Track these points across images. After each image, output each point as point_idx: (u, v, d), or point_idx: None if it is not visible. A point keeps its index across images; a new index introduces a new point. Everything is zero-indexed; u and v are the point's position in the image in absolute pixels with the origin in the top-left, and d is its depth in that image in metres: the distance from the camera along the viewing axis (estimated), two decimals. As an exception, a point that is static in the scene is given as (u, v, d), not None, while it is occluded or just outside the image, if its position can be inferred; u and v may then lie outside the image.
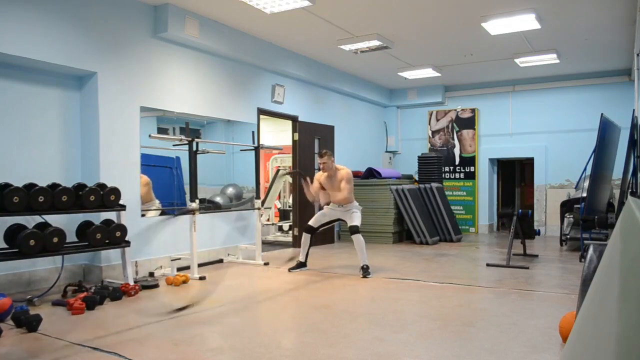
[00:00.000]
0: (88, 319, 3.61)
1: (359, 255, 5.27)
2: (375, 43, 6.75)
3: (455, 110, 9.99)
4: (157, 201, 5.88)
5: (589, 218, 5.99)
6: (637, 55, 6.08)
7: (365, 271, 5.17)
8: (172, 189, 6.38)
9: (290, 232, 8.30)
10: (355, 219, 5.44)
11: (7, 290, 4.21)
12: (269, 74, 7.23)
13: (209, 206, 6.60)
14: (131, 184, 5.19)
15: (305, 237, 5.60)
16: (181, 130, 6.00)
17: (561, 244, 7.66)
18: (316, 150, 8.03)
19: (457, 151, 10.00)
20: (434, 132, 10.23)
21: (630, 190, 5.90)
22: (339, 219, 5.66)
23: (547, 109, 9.20)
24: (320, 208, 5.74)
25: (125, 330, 3.33)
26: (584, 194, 6.52)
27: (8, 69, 4.50)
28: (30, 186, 4.05)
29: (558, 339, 3.04)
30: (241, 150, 6.51)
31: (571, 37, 6.80)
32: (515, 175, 11.05)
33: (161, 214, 5.70)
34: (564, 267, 5.82)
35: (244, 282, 5.09)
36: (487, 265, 5.87)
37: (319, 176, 5.66)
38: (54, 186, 4.19)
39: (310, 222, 5.64)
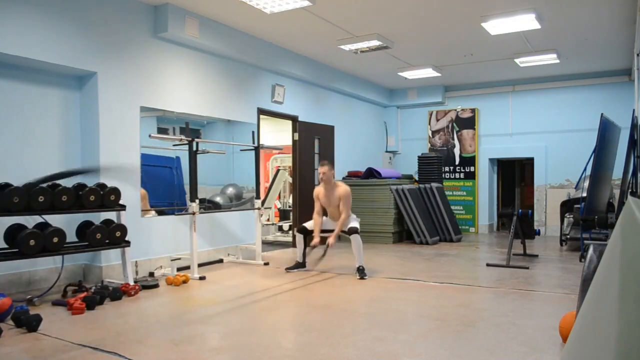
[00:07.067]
0: (88, 319, 3.61)
1: (356, 255, 5.25)
2: (375, 43, 6.75)
3: (455, 110, 9.98)
4: (152, 211, 5.79)
5: (589, 218, 5.99)
6: (637, 55, 6.08)
7: (362, 272, 5.16)
8: (172, 189, 6.38)
9: (290, 232, 8.30)
10: (354, 224, 5.42)
11: (7, 290, 4.22)
12: (269, 74, 7.23)
13: (209, 206, 6.59)
14: (131, 184, 5.19)
15: (299, 238, 5.60)
16: (181, 130, 6.00)
17: (561, 244, 7.66)
18: (316, 150, 8.04)
19: (457, 151, 10.00)
20: (434, 132, 10.23)
21: (630, 190, 5.89)
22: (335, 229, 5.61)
23: (547, 109, 9.20)
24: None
25: (125, 330, 3.33)
26: (584, 194, 6.51)
27: (8, 69, 4.49)
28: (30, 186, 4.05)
29: (558, 339, 3.04)
30: (241, 150, 6.51)
31: (571, 37, 6.80)
32: (515, 175, 11.05)
33: (161, 214, 5.70)
34: (564, 267, 5.82)
35: (244, 282, 5.09)
36: (487, 265, 5.87)
37: (318, 193, 5.56)
38: (53, 186, 4.19)
39: (305, 224, 5.65)
